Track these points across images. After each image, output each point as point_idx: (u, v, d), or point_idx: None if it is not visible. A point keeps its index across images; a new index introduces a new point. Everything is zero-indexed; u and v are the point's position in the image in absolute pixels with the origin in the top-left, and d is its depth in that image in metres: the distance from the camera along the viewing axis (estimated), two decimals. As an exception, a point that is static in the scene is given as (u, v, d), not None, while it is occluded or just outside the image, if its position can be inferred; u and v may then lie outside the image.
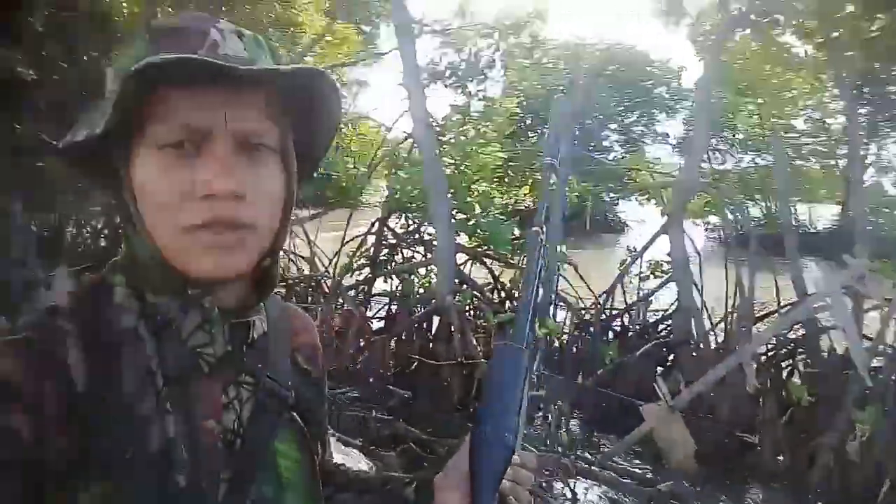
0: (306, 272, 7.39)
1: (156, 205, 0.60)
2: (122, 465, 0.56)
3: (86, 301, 0.63)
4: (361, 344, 5.82)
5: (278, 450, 0.70)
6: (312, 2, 10.00)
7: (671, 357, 5.60)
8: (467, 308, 5.72)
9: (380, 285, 6.70)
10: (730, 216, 5.80)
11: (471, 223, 5.76)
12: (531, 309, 0.84)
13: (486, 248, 6.02)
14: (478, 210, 5.81)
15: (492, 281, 6.39)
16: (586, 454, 4.60)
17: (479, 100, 8.60)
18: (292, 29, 10.33)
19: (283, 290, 7.26)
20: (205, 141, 0.59)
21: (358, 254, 6.52)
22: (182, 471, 0.59)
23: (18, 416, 0.50)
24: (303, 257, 7.45)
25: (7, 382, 0.52)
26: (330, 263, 6.76)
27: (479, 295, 6.02)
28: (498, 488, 0.72)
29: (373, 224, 6.42)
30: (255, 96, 0.62)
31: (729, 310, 5.43)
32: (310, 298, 6.97)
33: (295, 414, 0.73)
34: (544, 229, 0.91)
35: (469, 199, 5.83)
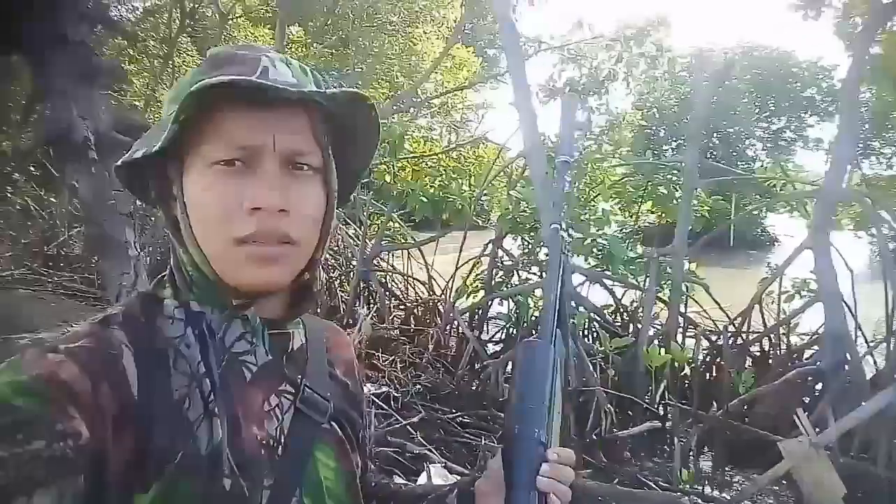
0: (424, 295, 7.40)
1: (207, 218, 0.65)
2: (172, 468, 0.59)
3: (137, 312, 0.68)
4: (475, 368, 5.69)
5: (318, 459, 0.73)
6: (431, 31, 10.27)
7: (818, 387, 4.91)
8: (584, 332, 5.41)
9: (496, 308, 6.56)
10: (886, 229, 5.02)
11: (586, 242, 5.45)
12: (555, 303, 0.82)
13: (604, 268, 5.67)
14: (594, 229, 5.49)
15: (613, 303, 6.05)
16: (715, 493, 4.11)
17: (601, 114, 8.30)
18: (413, 57, 10.66)
19: (402, 314, 7.34)
20: (254, 159, 0.65)
21: (472, 276, 6.44)
22: (228, 475, 0.62)
23: (79, 419, 0.53)
24: (420, 281, 7.48)
25: (69, 388, 0.55)
26: (446, 287, 6.70)
27: (597, 318, 5.69)
28: (534, 485, 0.70)
29: (486, 245, 6.30)
30: (300, 119, 0.67)
31: (889, 333, 4.69)
32: (427, 321, 6.96)
33: (334, 424, 0.77)
34: (563, 225, 0.88)
35: (584, 217, 5.54)
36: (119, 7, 12.97)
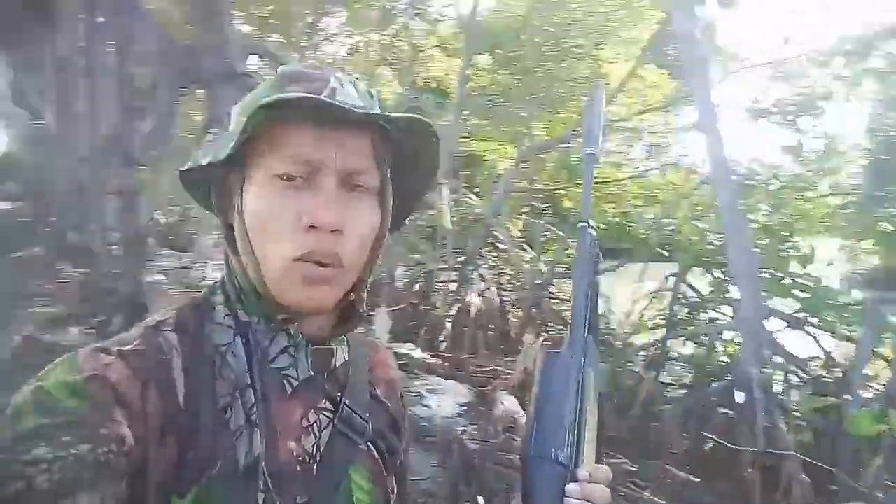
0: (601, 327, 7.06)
1: (265, 232, 0.66)
2: (211, 476, 0.60)
3: (189, 317, 0.69)
4: (649, 412, 5.25)
5: (353, 479, 0.72)
6: (621, 52, 9.94)
7: None
8: (781, 385, 4.73)
9: (676, 348, 6.03)
10: None
11: (785, 282, 4.77)
12: (585, 307, 0.76)
13: (809, 314, 4.92)
14: (796, 266, 4.79)
15: (821, 356, 5.22)
16: None
17: (814, 137, 7.36)
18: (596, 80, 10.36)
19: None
20: (314, 175, 0.65)
21: (652, 311, 5.99)
22: (262, 489, 0.62)
23: (125, 424, 0.55)
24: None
25: (118, 391, 0.56)
26: (622, 321, 6.32)
27: (798, 370, 4.94)
28: None
29: (668, 278, 5.82)
30: (362, 139, 0.67)
31: None
32: (600, 355, 6.61)
33: (371, 445, 0.76)
34: (591, 223, 0.82)
35: (784, 252, 4.86)
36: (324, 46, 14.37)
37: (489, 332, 7.28)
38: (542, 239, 8.16)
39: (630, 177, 7.95)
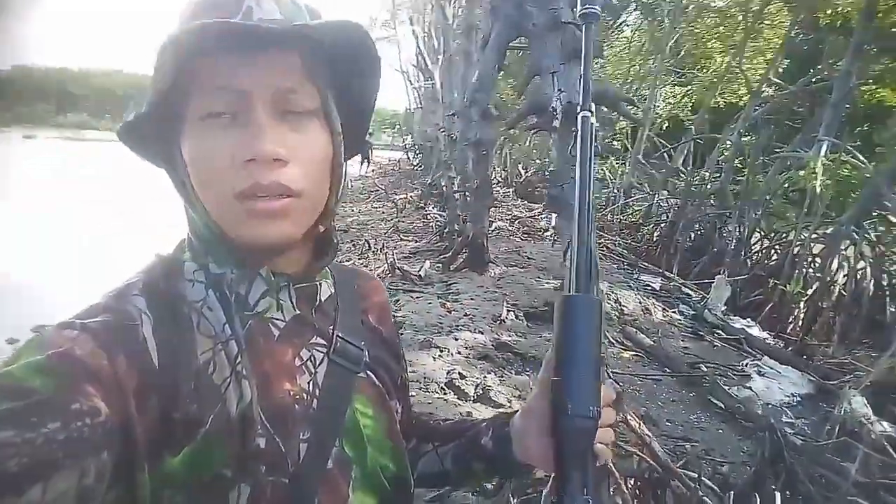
0: None
1: (206, 176, 0.63)
2: (202, 431, 0.60)
3: (157, 278, 0.67)
4: None
5: (357, 408, 0.73)
6: None
7: None
8: None
9: None
10: None
11: None
12: (589, 227, 0.70)
13: None
14: None
15: None
16: None
17: None
18: None
19: None
20: (243, 107, 0.61)
21: None
22: (260, 433, 0.62)
23: (97, 396, 0.52)
24: None
25: (85, 364, 0.54)
26: None
27: None
28: (587, 466, 0.65)
29: None
30: (290, 58, 0.63)
31: None
32: None
33: (370, 372, 0.76)
34: (592, 111, 0.74)
35: None
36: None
37: (853, 320, 6.09)
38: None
39: None
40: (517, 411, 0.78)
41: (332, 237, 0.76)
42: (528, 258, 8.09)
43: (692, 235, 9.63)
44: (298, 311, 0.71)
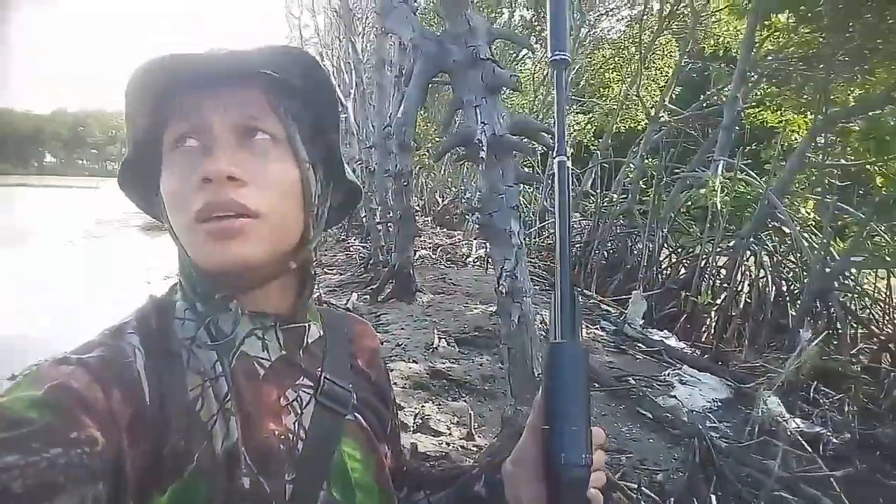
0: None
1: (172, 202, 0.65)
2: (190, 469, 0.60)
3: (150, 316, 0.68)
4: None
5: (345, 451, 0.72)
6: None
7: None
8: None
9: None
10: None
11: None
12: (570, 281, 0.69)
13: None
14: None
15: None
16: None
17: None
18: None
19: (875, 347, 5.99)
20: (207, 134, 0.64)
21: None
22: (245, 472, 0.62)
23: (93, 427, 0.53)
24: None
25: (82, 397, 0.55)
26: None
27: None
28: None
29: None
30: (252, 91, 0.65)
31: None
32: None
33: (358, 415, 0.76)
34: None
35: None
36: (608, 19, 14.09)
37: (759, 326, 6.54)
38: (841, 223, 7.01)
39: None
40: (507, 457, 0.76)
41: (311, 270, 0.76)
42: (454, 284, 8.19)
43: (606, 254, 10.04)
44: (284, 352, 0.72)
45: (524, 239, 2.89)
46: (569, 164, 0.73)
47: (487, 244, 2.84)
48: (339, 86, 14.05)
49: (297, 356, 0.73)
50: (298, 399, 0.71)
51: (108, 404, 0.56)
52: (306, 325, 0.76)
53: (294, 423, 0.69)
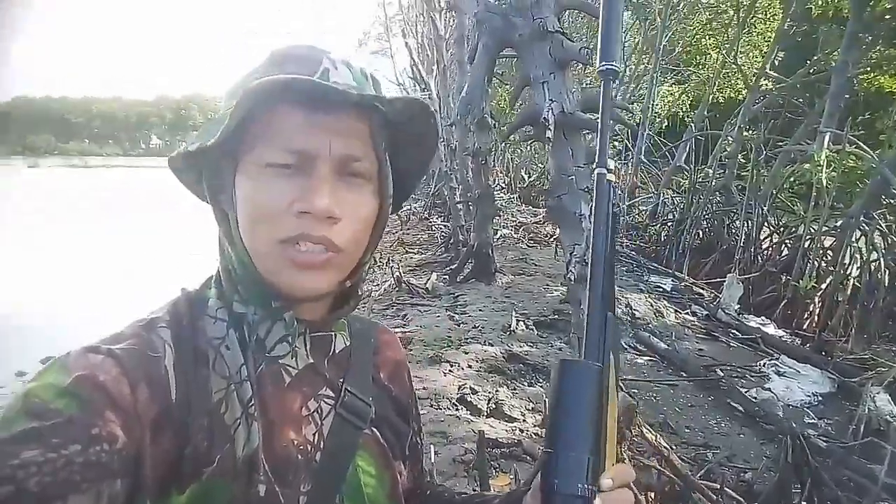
0: None
1: (256, 217, 0.64)
2: (210, 471, 0.60)
3: (183, 312, 0.68)
4: None
5: (359, 466, 0.71)
6: None
7: None
8: None
9: None
10: None
11: None
12: (603, 284, 0.67)
13: None
14: None
15: None
16: None
17: None
18: None
19: None
20: (308, 162, 0.63)
21: None
22: (262, 480, 0.62)
23: (116, 422, 0.54)
24: None
25: (108, 390, 0.55)
26: None
27: None
28: None
29: None
30: (359, 125, 0.65)
31: None
32: None
33: (375, 430, 0.75)
34: (609, 168, 0.70)
35: None
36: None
37: (869, 313, 5.99)
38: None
39: None
40: (530, 488, 0.72)
41: (357, 292, 0.76)
42: (536, 265, 8.04)
43: (700, 234, 9.55)
44: (311, 360, 0.71)
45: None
46: (611, 177, 0.70)
47: (558, 228, 2.70)
48: (422, 63, 14.05)
49: (323, 365, 0.73)
50: (319, 409, 0.70)
51: (133, 399, 0.56)
52: (333, 334, 0.76)
53: (314, 434, 0.68)
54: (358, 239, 0.67)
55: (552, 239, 9.84)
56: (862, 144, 6.99)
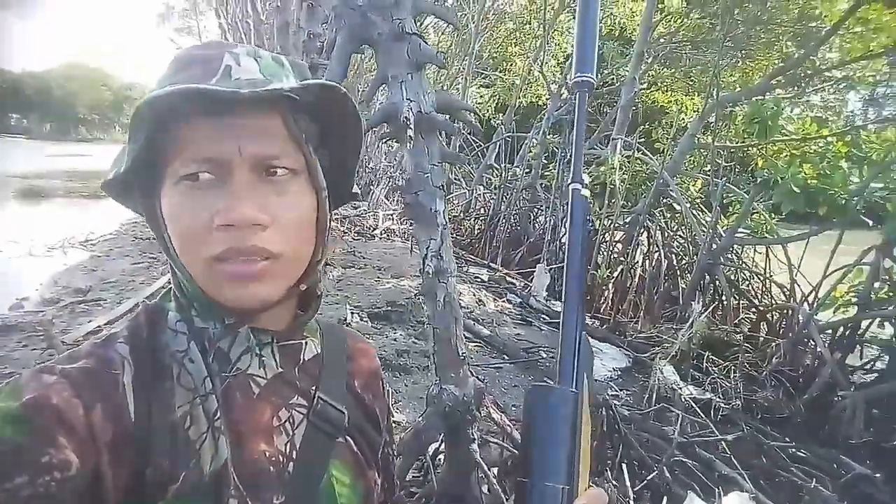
0: (781, 300, 6.42)
1: (180, 236, 0.61)
2: (174, 489, 0.57)
3: (142, 326, 0.65)
4: (828, 397, 4.73)
5: (333, 475, 0.70)
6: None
7: None
8: None
9: (875, 329, 5.30)
10: None
11: None
12: (577, 322, 0.62)
13: None
14: None
15: None
16: None
17: None
18: (811, 23, 9.12)
19: (751, 318, 6.53)
20: (222, 170, 0.59)
21: (846, 287, 5.31)
22: (233, 494, 0.59)
23: (69, 448, 0.51)
24: (777, 283, 6.51)
25: (60, 413, 0.52)
26: (809, 294, 5.69)
27: None
28: None
29: (867, 251, 5.09)
30: (271, 120, 0.61)
31: None
32: (780, 330, 6.03)
33: (349, 438, 0.73)
34: (584, 183, 0.65)
35: None
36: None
37: (654, 298, 6.96)
38: (725, 201, 7.52)
39: (835, 133, 6.95)
40: None
41: (317, 292, 0.74)
42: (364, 258, 8.09)
43: (509, 228, 10.28)
44: (281, 370, 0.69)
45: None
46: (585, 192, 0.66)
47: (412, 223, 2.78)
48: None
49: (293, 374, 0.71)
50: (291, 419, 0.68)
51: (88, 421, 0.54)
52: (304, 341, 0.74)
53: (286, 444, 0.66)
54: (296, 241, 0.64)
55: (374, 231, 9.99)
56: (646, 151, 8.05)
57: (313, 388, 0.72)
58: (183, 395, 0.61)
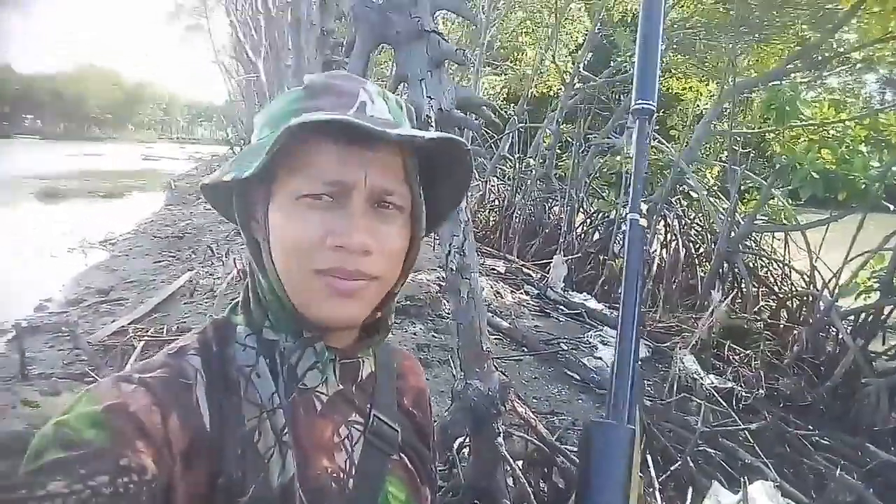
0: (801, 287, 6.38)
1: (289, 248, 0.63)
2: (243, 501, 0.58)
3: (212, 340, 0.68)
4: (851, 383, 4.70)
5: (390, 492, 0.71)
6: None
7: None
8: None
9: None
10: None
11: None
12: (633, 354, 0.63)
13: None
14: None
15: None
16: None
17: None
18: (828, 4, 8.97)
19: (771, 306, 6.49)
20: (343, 195, 0.62)
21: (867, 272, 5.27)
22: None
23: (146, 453, 0.53)
24: (797, 270, 6.46)
25: (139, 420, 0.55)
26: (830, 280, 5.64)
27: None
28: None
29: (889, 236, 5.03)
30: (393, 157, 0.65)
31: None
32: (801, 318, 6.00)
33: (403, 456, 0.75)
34: (642, 213, 0.65)
35: None
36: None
37: (672, 287, 6.93)
38: (742, 188, 7.47)
39: (854, 117, 6.86)
40: None
41: (388, 320, 0.76)
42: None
43: (524, 219, 10.26)
44: (341, 387, 0.71)
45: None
46: (643, 221, 0.67)
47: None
48: (247, 42, 13.37)
49: (352, 392, 0.73)
50: (350, 436, 0.70)
51: (164, 430, 0.56)
52: (361, 360, 0.76)
53: (345, 461, 0.68)
54: (391, 269, 0.67)
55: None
56: (662, 139, 8.00)
57: (368, 405, 0.74)
58: (251, 408, 0.63)
